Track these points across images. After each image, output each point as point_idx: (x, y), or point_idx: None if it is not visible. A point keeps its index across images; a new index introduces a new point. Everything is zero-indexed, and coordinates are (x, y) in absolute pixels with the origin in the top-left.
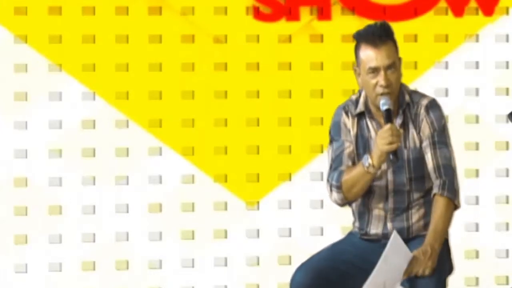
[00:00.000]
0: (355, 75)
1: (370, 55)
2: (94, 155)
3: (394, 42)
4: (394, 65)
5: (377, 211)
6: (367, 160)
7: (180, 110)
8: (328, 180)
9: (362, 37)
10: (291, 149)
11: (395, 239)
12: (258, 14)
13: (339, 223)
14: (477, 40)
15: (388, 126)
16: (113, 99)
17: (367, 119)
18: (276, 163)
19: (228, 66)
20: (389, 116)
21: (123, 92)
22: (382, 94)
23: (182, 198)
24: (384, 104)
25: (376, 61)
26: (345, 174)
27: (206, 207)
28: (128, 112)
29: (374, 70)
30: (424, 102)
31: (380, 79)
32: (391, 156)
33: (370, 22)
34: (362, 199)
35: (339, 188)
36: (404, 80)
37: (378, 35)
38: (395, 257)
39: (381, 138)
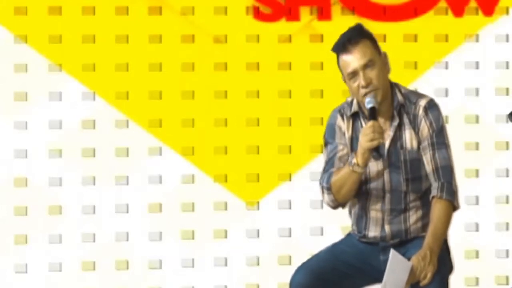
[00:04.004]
0: (346, 85)
1: (345, 61)
2: (94, 155)
3: (370, 39)
4: (370, 62)
5: (374, 213)
6: (352, 159)
7: (180, 110)
8: (320, 183)
9: (335, 48)
10: (291, 149)
11: (393, 258)
12: (258, 14)
13: (339, 223)
14: (477, 40)
15: (370, 123)
16: (113, 99)
17: (361, 120)
18: (276, 163)
19: (228, 66)
20: (373, 114)
21: (123, 92)
22: (365, 94)
23: (182, 198)
24: (368, 102)
25: (352, 63)
26: (333, 175)
27: (206, 207)
28: (128, 112)
29: (353, 74)
30: (422, 102)
31: (360, 80)
32: (373, 153)
33: (370, 22)
34: (359, 201)
35: (329, 189)
36: (404, 80)
37: (348, 38)
38: (395, 273)
39: (363, 135)
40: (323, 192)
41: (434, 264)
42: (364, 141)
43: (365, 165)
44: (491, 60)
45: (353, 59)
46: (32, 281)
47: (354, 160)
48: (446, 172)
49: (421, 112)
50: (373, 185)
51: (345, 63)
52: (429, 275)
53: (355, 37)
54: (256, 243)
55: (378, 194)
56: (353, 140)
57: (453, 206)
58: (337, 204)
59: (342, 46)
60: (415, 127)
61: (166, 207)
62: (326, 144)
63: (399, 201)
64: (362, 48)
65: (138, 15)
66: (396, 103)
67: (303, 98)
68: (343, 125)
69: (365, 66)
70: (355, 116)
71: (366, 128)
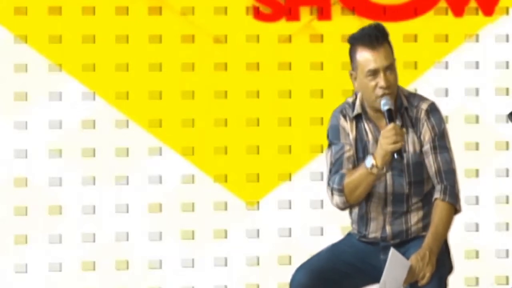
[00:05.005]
0: (351, 79)
1: (368, 58)
2: (94, 155)
3: (389, 43)
4: (392, 66)
5: (376, 214)
6: (370, 161)
7: (180, 110)
8: (329, 184)
9: (358, 40)
10: (291, 149)
11: (392, 256)
12: (258, 14)
13: (339, 223)
14: (477, 40)
15: (391, 125)
16: (113, 99)
17: (364, 122)
18: (276, 163)
19: (228, 66)
20: (390, 116)
21: (123, 92)
22: (382, 95)
23: (182, 198)
24: (385, 104)
25: (375, 62)
26: (346, 177)
27: (206, 207)
28: (128, 112)
29: (374, 72)
30: (424, 106)
31: (380, 80)
32: (395, 155)
33: (370, 22)
34: (361, 203)
35: (341, 191)
36: (404, 80)
37: (375, 36)
38: (394, 271)
39: (384, 138)
40: (333, 194)
41: (432, 264)
42: (386, 143)
43: (384, 167)
44: (491, 60)
45: (378, 58)
46: (32, 281)
47: (373, 162)
48: (449, 175)
49: (422, 115)
50: (375, 188)
51: (368, 60)
52: (427, 275)
53: (381, 37)
54: (256, 243)
55: (380, 197)
56: (357, 142)
57: (455, 209)
58: (347, 205)
59: (368, 41)
60: (417, 131)
61: (166, 207)
62: (330, 145)
63: (401, 204)
64: (386, 50)
65: (138, 15)
66: (400, 106)
67: (303, 98)
68: (347, 126)
69: (387, 68)
70: (357, 118)
71: (387, 130)
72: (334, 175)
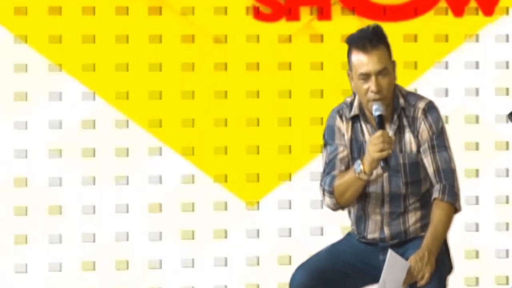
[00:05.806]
0: (348, 79)
1: (361, 60)
2: (94, 155)
3: (386, 46)
4: (385, 70)
5: (374, 215)
6: (359, 166)
7: (180, 110)
8: (321, 185)
9: (353, 42)
10: (291, 149)
11: (391, 258)
12: (258, 14)
13: (339, 223)
14: (477, 40)
15: (379, 133)
16: (113, 99)
17: (362, 122)
18: (276, 163)
19: (228, 66)
20: (381, 122)
21: (123, 92)
22: (373, 100)
23: (182, 198)
24: (376, 109)
25: (367, 66)
26: (337, 179)
27: (206, 207)
28: (128, 112)
29: (365, 76)
30: (421, 105)
31: (371, 84)
32: (381, 163)
33: (370, 22)
34: (358, 204)
35: (331, 193)
36: (404, 80)
37: (369, 39)
38: (393, 273)
39: (372, 145)
40: (324, 195)
41: (431, 265)
42: (373, 151)
43: (372, 173)
44: (491, 60)
45: (370, 61)
46: (32, 281)
47: (361, 167)
48: (447, 174)
49: (420, 114)
50: (372, 188)
51: (360, 62)
52: (426, 276)
53: (376, 40)
54: (256, 243)
55: (377, 198)
56: (353, 142)
57: (454, 208)
58: (338, 207)
59: (362, 44)
60: (414, 130)
61: (166, 207)
62: (325, 144)
63: (399, 204)
64: (380, 54)
65: (138, 15)
66: (397, 106)
67: (303, 98)
68: (343, 126)
69: (379, 73)
70: (354, 118)
71: (375, 137)
72: (326, 177)
